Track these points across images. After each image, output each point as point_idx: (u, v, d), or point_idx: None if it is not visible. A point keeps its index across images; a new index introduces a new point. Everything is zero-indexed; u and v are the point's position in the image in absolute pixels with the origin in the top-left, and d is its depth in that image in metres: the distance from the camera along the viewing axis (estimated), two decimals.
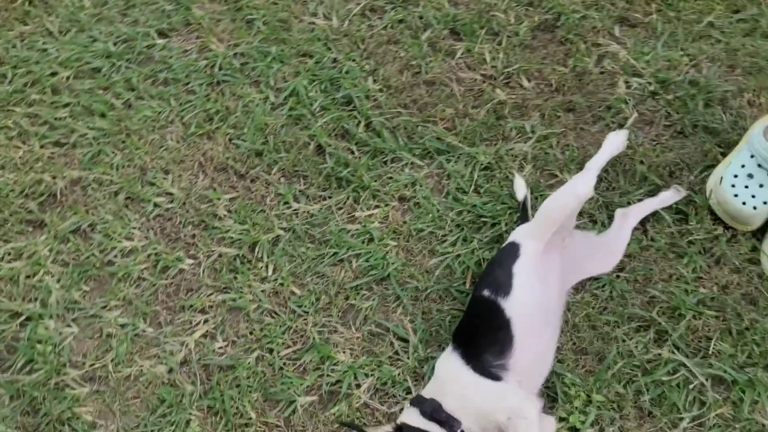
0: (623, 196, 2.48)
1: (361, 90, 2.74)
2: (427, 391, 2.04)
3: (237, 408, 2.13)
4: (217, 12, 3.01)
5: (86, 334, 2.28)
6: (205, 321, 2.29)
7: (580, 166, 2.51)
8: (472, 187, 2.52)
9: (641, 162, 2.52)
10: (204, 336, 2.26)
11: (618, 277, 2.34)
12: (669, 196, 2.43)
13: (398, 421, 1.95)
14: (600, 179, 2.49)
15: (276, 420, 2.13)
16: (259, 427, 2.12)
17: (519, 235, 2.25)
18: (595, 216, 2.46)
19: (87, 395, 2.17)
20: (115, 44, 2.94)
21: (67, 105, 2.78)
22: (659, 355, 2.17)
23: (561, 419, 2.11)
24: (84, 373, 2.21)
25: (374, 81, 2.79)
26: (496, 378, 1.98)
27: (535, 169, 2.55)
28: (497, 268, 2.19)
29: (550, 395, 2.14)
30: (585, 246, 2.35)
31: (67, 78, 2.86)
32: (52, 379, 2.19)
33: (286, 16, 2.96)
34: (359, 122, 2.68)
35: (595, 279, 2.33)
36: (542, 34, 2.89)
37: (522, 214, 2.39)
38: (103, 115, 2.73)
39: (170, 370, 2.19)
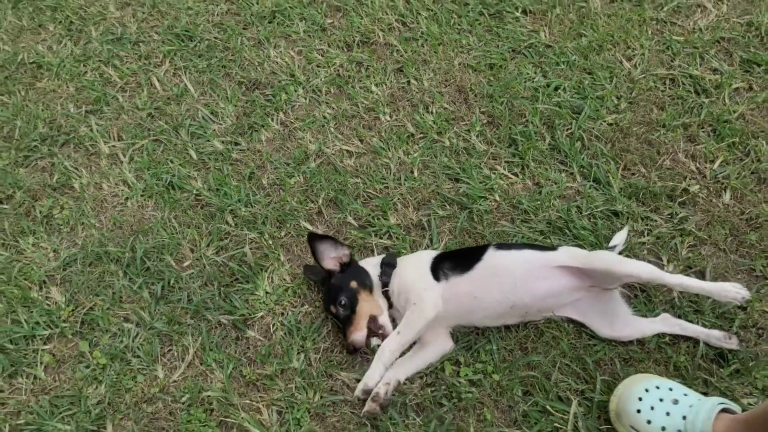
0: (695, 314, 2.48)
1: (595, 113, 3.14)
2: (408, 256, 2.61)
3: (314, 188, 2.96)
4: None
5: (299, 63, 3.35)
6: (346, 141, 3.14)
7: (688, 273, 2.57)
8: (588, 213, 2.78)
9: (742, 308, 2.46)
10: (333, 138, 3.13)
11: (613, 345, 2.41)
12: (717, 337, 2.37)
13: (355, 258, 2.59)
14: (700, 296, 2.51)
15: (326, 213, 2.90)
16: (313, 208, 2.91)
17: (565, 248, 2.52)
18: (654, 305, 2.51)
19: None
20: None
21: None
22: (566, 398, 2.27)
23: (456, 361, 2.40)
24: (276, 81, 3.30)
25: (613, 117, 3.15)
26: (436, 277, 2.42)
27: (649, 244, 2.68)
28: (521, 243, 2.56)
29: (471, 347, 2.44)
30: (611, 306, 2.44)
31: None
32: (261, 80, 3.33)
33: (604, 43, 3.47)
34: (568, 128, 3.12)
35: (593, 331, 2.45)
36: None
37: None
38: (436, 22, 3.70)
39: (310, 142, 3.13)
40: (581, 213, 2.80)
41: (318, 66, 3.53)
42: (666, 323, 2.41)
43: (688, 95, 3.21)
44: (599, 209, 2.80)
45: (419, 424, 2.26)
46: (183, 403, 2.36)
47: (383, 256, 2.58)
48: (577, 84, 3.31)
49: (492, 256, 2.42)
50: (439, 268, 2.44)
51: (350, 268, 2.51)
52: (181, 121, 3.29)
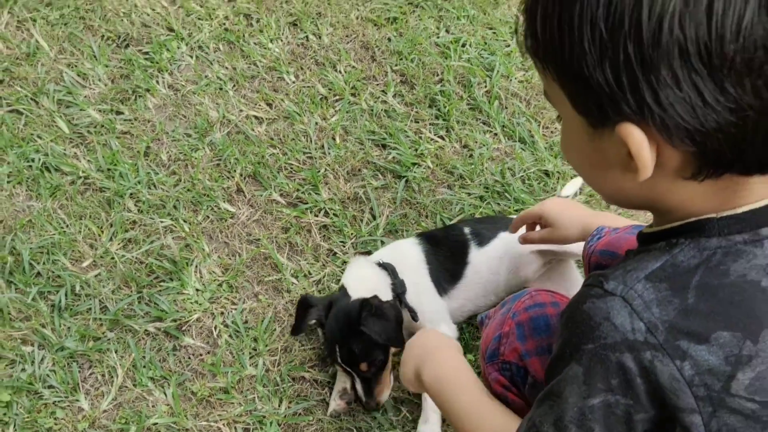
0: None
1: (506, 71, 3.06)
2: (384, 254, 2.23)
3: (227, 162, 2.58)
4: None
5: None
6: (252, 106, 2.77)
7: None
8: (522, 176, 2.72)
9: None
10: (236, 102, 2.75)
11: None
12: None
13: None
14: None
15: (247, 191, 2.53)
16: (231, 186, 2.53)
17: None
18: None
19: None
20: None
21: None
22: None
23: None
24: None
25: (522, 74, 3.09)
26: (440, 291, 2.18)
27: (581, 203, 2.67)
28: (491, 224, 2.35)
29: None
30: (568, 274, 2.37)
31: None
32: (132, 35, 2.82)
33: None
34: (484, 86, 3.01)
35: None
36: None
37: None
38: None
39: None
40: (514, 175, 2.73)
41: (199, 18, 3.06)
42: None
43: None
44: (531, 170, 2.74)
45: (408, 418, 2.07)
46: None
47: (375, 261, 2.16)
48: (482, 40, 3.21)
49: (476, 256, 2.22)
50: (438, 280, 2.18)
51: (392, 309, 1.99)
52: (41, 86, 2.67)
